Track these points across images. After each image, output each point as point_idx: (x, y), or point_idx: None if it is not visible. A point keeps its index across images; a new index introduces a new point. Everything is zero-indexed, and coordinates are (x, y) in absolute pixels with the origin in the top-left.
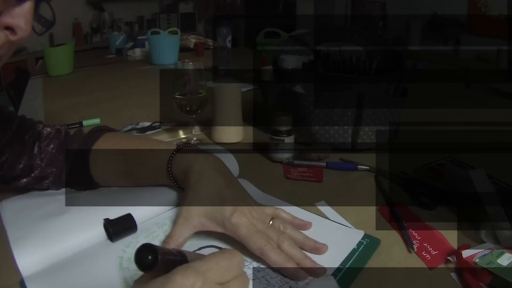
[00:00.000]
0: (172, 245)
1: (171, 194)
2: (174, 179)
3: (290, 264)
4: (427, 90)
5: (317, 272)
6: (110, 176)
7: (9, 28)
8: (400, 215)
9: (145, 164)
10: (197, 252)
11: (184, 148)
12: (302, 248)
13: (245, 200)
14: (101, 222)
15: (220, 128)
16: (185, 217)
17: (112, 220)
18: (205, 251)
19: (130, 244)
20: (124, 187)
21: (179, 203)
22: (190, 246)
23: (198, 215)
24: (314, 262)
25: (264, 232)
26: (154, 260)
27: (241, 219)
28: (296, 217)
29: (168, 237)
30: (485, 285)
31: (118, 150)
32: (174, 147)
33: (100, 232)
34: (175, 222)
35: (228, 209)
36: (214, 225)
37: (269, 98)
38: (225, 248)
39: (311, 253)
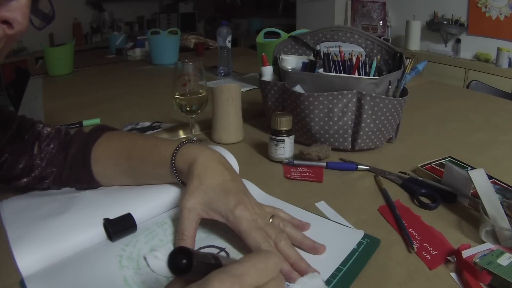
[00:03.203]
0: (186, 240)
1: (172, 195)
2: (177, 172)
3: (285, 265)
4: (427, 90)
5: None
6: (112, 173)
7: (6, 22)
8: (400, 215)
9: (149, 157)
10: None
11: (188, 142)
12: (300, 248)
13: (248, 195)
14: (101, 222)
15: (220, 128)
16: (189, 208)
17: (111, 219)
18: (205, 251)
19: (129, 243)
20: (124, 187)
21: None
22: None
23: (200, 203)
24: (308, 264)
25: (264, 228)
26: (189, 264)
27: (244, 212)
28: (294, 218)
29: (180, 234)
30: (485, 285)
31: (121, 146)
32: (178, 143)
33: (100, 232)
34: (179, 216)
35: (232, 201)
36: (217, 215)
37: (269, 98)
38: (225, 248)
39: (309, 252)
